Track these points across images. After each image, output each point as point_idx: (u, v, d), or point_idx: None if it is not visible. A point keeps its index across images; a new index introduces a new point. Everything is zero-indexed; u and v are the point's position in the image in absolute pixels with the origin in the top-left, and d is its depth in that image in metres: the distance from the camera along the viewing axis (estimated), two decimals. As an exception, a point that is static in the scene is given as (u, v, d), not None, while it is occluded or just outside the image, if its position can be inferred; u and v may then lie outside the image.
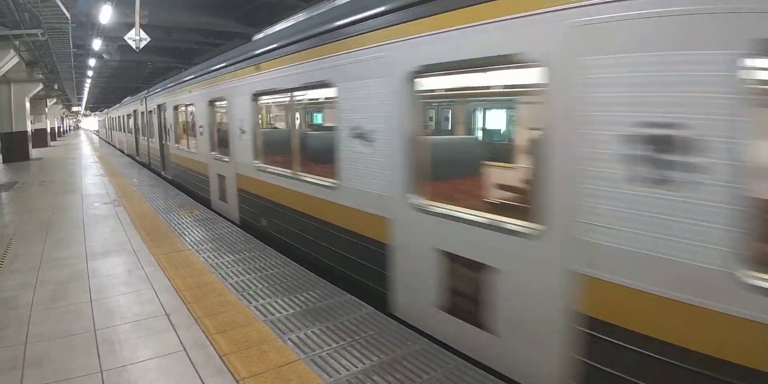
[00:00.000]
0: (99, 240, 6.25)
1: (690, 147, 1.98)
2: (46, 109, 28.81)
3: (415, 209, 3.55)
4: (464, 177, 4.50)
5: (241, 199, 7.21)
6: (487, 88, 5.11)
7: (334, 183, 4.57)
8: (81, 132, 70.26)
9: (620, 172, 2.22)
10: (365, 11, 3.90)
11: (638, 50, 2.12)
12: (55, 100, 30.75)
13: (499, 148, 7.59)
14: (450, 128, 9.35)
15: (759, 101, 1.85)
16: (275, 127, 10.11)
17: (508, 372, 2.94)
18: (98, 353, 3.24)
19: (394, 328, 3.55)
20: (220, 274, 4.82)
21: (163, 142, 13.19)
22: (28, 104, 19.59)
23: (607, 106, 2.25)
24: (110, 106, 34.03)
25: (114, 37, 11.29)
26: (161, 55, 16.32)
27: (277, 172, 5.92)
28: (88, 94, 35.12)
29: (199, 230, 6.69)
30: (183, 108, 10.91)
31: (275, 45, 5.59)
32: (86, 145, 32.76)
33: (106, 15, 8.49)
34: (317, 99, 9.15)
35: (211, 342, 3.36)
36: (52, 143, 31.15)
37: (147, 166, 16.21)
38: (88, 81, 24.82)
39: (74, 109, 52.30)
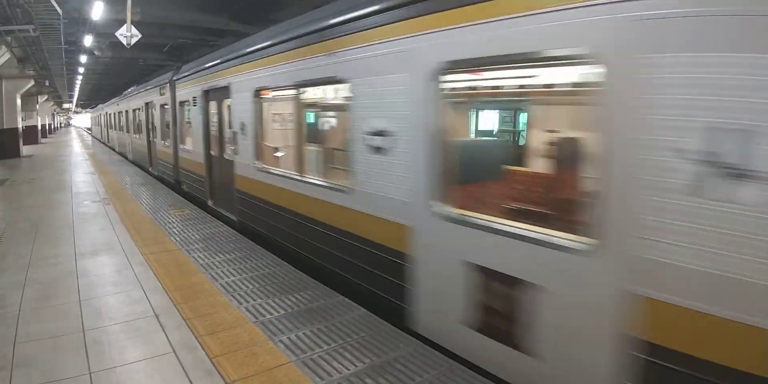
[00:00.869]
0: (88, 239, 6.18)
1: None
2: (37, 106, 28.53)
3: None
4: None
5: None
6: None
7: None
8: (72, 129, 69.69)
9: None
10: None
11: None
12: (46, 96, 30.41)
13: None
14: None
15: None
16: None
17: None
18: (87, 354, 3.20)
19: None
20: (210, 274, 4.78)
21: (212, 151, 8.40)
22: (19, 101, 19.37)
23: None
24: (104, 102, 32.87)
25: (106, 33, 11.14)
26: (153, 52, 16.14)
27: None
28: (80, 91, 34.77)
29: (191, 230, 6.64)
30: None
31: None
32: (77, 142, 32.49)
33: (98, 11, 8.40)
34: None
35: (200, 344, 3.33)
36: (42, 140, 30.86)
37: (176, 187, 10.92)
38: (80, 78, 24.56)
39: (65, 106, 51.79)
